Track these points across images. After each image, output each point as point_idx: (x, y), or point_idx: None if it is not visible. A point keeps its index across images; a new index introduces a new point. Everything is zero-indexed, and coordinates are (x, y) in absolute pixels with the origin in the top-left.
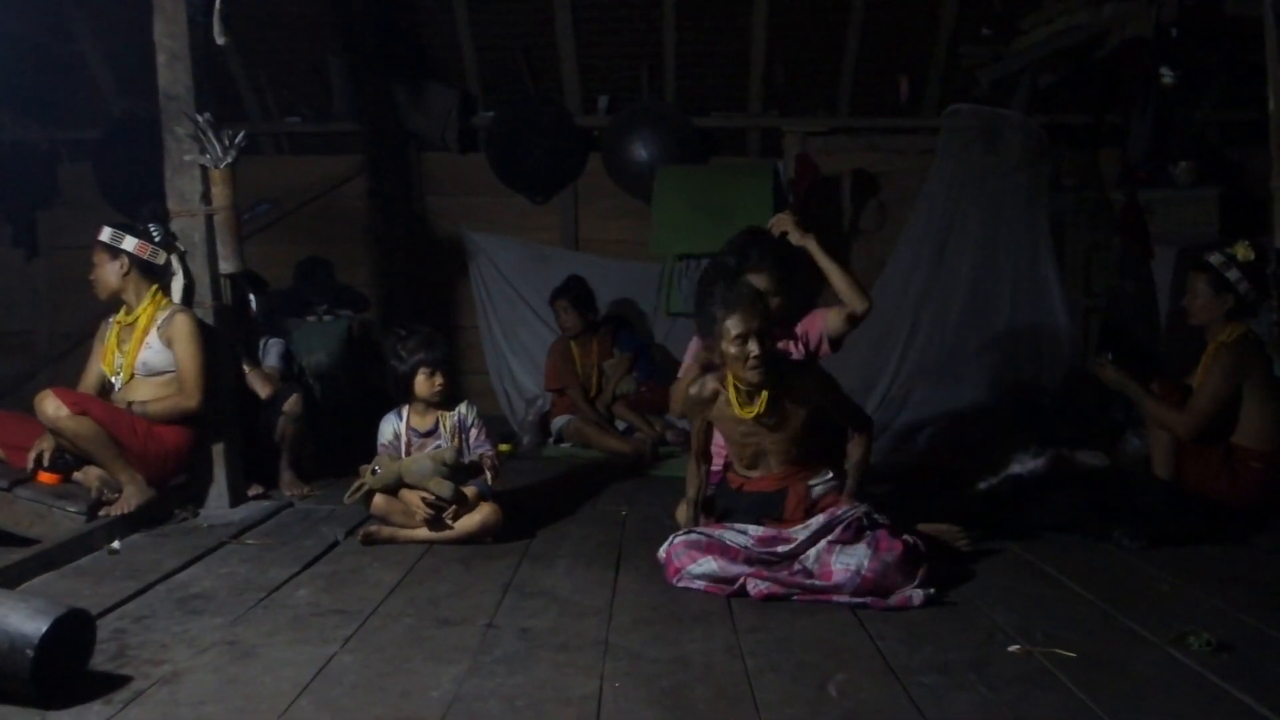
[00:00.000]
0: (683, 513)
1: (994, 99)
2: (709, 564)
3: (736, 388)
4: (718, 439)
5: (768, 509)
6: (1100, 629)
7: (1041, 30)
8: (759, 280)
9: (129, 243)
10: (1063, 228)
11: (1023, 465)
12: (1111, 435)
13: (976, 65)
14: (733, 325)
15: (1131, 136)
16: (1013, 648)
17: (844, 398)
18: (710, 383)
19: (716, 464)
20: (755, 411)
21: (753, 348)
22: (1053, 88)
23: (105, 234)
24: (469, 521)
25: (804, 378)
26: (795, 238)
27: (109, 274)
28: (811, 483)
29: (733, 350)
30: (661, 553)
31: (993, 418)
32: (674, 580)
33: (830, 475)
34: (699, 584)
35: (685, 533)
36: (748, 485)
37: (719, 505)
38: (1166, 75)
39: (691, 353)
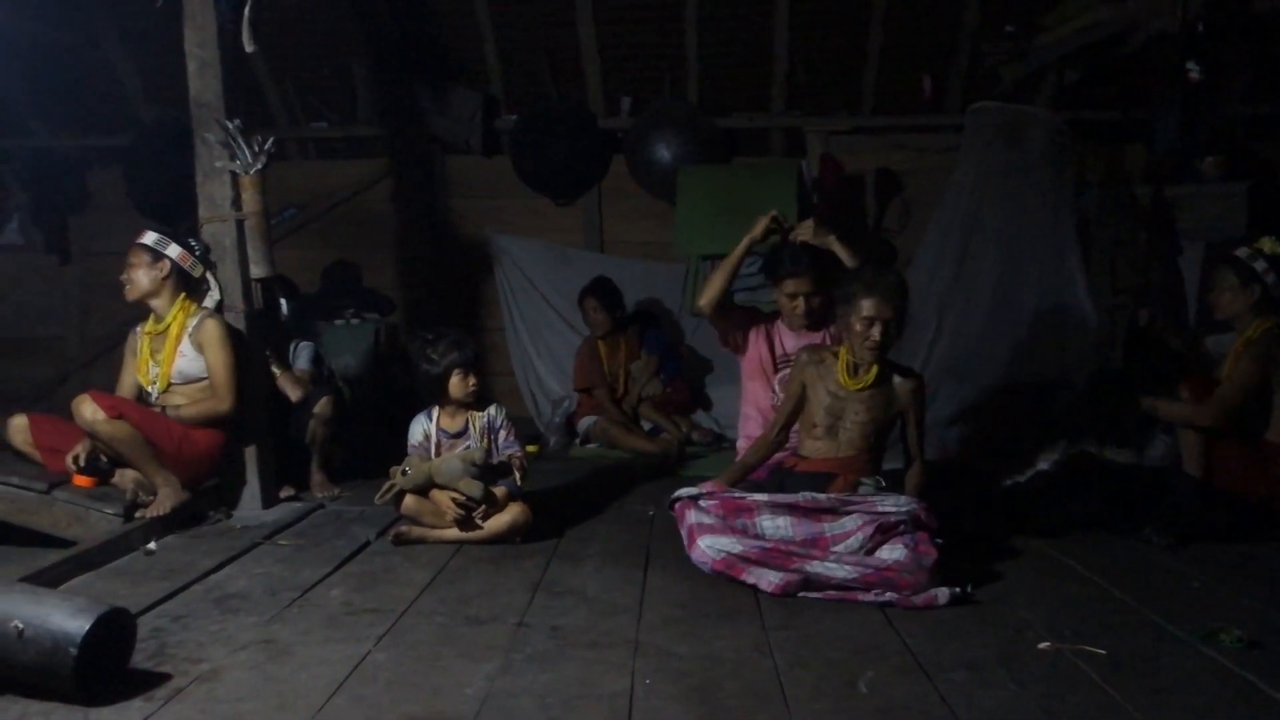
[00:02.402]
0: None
1: (1018, 96)
2: (726, 541)
3: (848, 360)
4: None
5: (812, 490)
6: (1130, 626)
7: (1065, 26)
8: (798, 285)
9: (173, 250)
10: (1088, 224)
11: (1050, 463)
12: (1140, 432)
13: (1000, 63)
14: (867, 306)
15: (1158, 132)
16: (1042, 645)
17: (924, 421)
18: (825, 351)
19: (792, 442)
20: (862, 384)
21: (875, 333)
22: (1077, 84)
23: (150, 238)
24: (498, 521)
25: (908, 382)
26: (819, 238)
27: (145, 277)
28: (863, 480)
29: (858, 328)
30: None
31: (1019, 415)
32: (692, 551)
33: (882, 483)
34: (712, 557)
35: (700, 505)
36: (801, 466)
37: (764, 483)
38: (1193, 70)
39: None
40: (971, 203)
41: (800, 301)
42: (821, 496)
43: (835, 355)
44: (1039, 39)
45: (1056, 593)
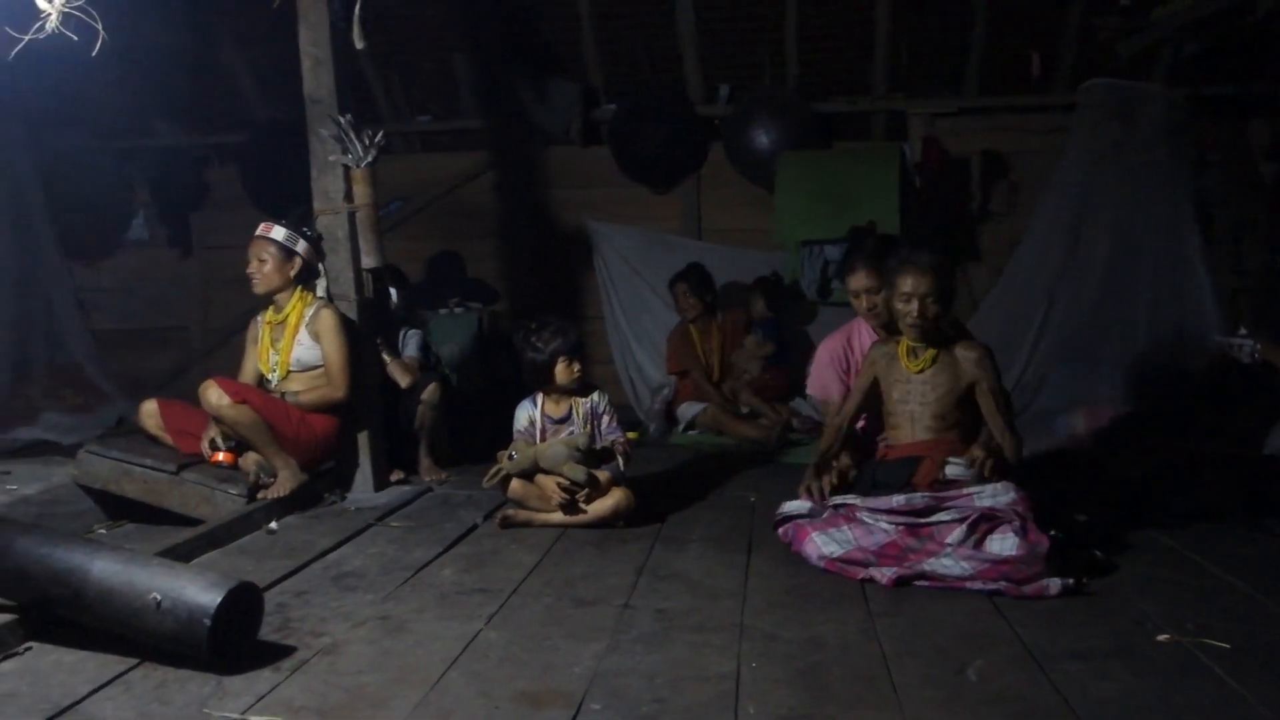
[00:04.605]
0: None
1: (1133, 72)
2: (845, 533)
3: (909, 346)
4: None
5: (901, 474)
6: (1255, 619)
7: None
8: (857, 281)
9: (301, 246)
10: (1209, 204)
11: (1168, 453)
12: (1261, 421)
13: (1113, 37)
14: (901, 283)
15: None
16: (1161, 637)
17: (1002, 390)
18: (890, 344)
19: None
20: (921, 366)
21: (914, 309)
22: (1196, 57)
23: (280, 234)
24: (602, 505)
25: (971, 352)
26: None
27: (278, 273)
28: (951, 460)
29: (900, 306)
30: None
31: (1135, 404)
32: (803, 545)
33: (970, 464)
34: (826, 555)
35: (809, 514)
36: (890, 454)
37: (859, 475)
38: None
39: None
40: (1083, 184)
41: (863, 299)
42: (916, 498)
43: (898, 344)
44: (1155, 11)
45: (1176, 584)
